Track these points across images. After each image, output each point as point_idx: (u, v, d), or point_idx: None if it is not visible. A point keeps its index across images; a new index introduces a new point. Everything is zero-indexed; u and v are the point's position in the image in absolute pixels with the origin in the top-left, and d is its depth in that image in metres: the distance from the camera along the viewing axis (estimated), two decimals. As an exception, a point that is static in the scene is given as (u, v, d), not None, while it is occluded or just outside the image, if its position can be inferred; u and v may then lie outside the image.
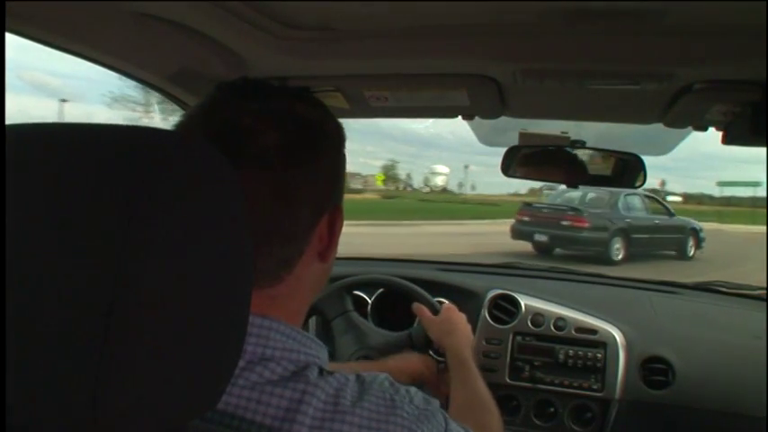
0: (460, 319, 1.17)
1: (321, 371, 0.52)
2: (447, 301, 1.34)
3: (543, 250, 10.23)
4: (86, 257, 0.33)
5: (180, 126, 0.57)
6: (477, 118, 1.31)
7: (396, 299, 1.57)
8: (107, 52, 0.95)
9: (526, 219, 10.60)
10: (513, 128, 1.47)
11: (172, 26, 0.87)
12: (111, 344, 0.32)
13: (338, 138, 0.61)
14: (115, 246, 0.33)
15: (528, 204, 11.30)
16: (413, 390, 0.56)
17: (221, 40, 0.95)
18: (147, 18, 0.84)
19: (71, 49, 0.90)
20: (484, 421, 0.84)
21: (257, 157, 0.52)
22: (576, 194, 10.68)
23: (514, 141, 1.46)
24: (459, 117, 1.31)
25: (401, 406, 0.53)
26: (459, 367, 1.00)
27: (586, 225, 9.91)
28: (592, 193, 10.49)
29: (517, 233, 10.90)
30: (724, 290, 1.82)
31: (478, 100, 1.18)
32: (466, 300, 1.67)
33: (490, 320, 1.61)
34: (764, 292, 1.74)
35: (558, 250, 10.37)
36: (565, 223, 9.95)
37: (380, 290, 1.66)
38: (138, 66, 1.04)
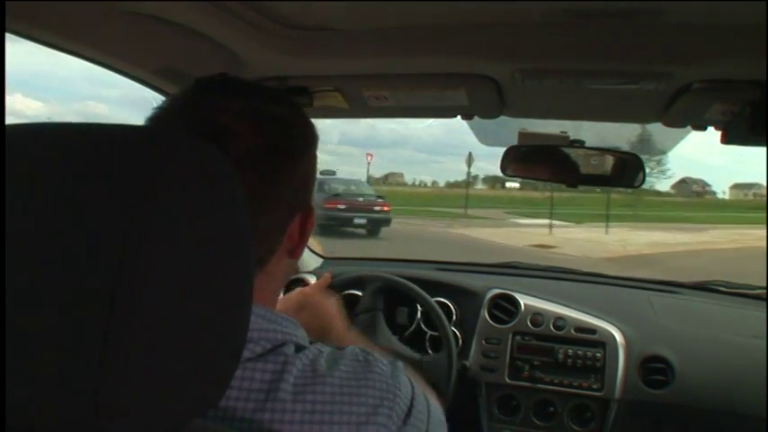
0: (305, 306, 0.98)
1: (297, 347, 0.54)
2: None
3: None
4: (87, 257, 0.33)
5: (154, 119, 0.57)
6: (476, 117, 1.31)
7: (394, 299, 1.57)
8: (105, 52, 0.95)
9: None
10: (512, 127, 1.47)
11: (172, 26, 0.87)
12: (111, 344, 0.32)
13: (313, 140, 0.62)
14: (116, 246, 0.33)
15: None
16: (377, 353, 0.60)
17: (220, 40, 0.95)
18: (147, 18, 0.84)
19: (70, 49, 0.90)
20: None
21: (236, 159, 0.52)
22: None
23: (513, 141, 1.47)
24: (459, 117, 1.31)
25: (375, 363, 0.56)
26: (330, 341, 0.96)
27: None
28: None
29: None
30: (723, 289, 1.82)
31: (478, 100, 1.18)
32: (466, 300, 1.67)
33: (489, 320, 1.61)
34: (764, 291, 1.74)
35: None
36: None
37: (379, 288, 1.66)
38: (137, 65, 1.04)
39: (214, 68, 1.01)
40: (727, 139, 1.14)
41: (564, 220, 19.41)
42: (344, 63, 1.07)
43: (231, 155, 0.52)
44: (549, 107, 1.31)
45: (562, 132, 1.44)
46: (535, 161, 1.46)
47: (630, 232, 17.01)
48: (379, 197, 14.20)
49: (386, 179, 69.81)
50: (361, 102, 1.23)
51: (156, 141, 0.38)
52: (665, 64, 0.95)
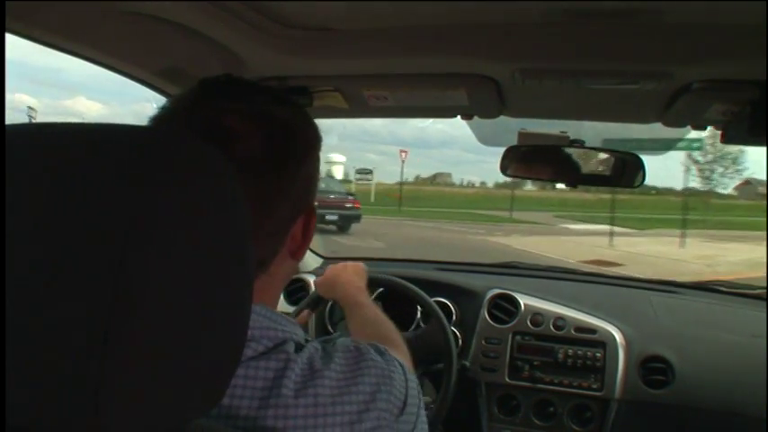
0: (341, 269, 1.15)
1: (297, 345, 0.55)
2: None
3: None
4: (88, 257, 0.33)
5: (159, 119, 0.57)
6: (476, 117, 1.31)
7: (394, 300, 1.58)
8: (105, 52, 0.95)
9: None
10: (512, 128, 1.47)
11: (172, 26, 0.87)
12: (111, 344, 0.32)
13: (316, 142, 0.62)
14: (116, 245, 0.33)
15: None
16: (366, 343, 0.61)
17: (220, 40, 0.95)
18: (147, 18, 0.84)
19: (70, 50, 0.90)
20: (382, 332, 0.90)
21: (240, 161, 0.52)
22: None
23: (513, 141, 1.47)
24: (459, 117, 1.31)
25: (367, 351, 0.57)
26: (349, 310, 1.04)
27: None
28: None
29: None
30: (723, 289, 1.82)
31: (477, 100, 1.18)
32: (466, 300, 1.67)
33: (489, 320, 1.61)
34: (764, 291, 1.74)
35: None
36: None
37: (379, 290, 1.66)
38: (137, 65, 1.04)
39: (214, 68, 1.01)
40: (726, 139, 1.14)
41: (622, 226, 16.30)
42: (344, 63, 1.07)
43: (236, 156, 0.52)
44: (549, 107, 1.31)
45: (562, 132, 1.44)
46: (535, 161, 1.46)
47: (708, 244, 13.62)
48: (350, 194, 14.97)
49: (434, 179, 68.56)
50: (361, 102, 1.23)
51: (157, 142, 0.38)
52: (665, 64, 0.95)
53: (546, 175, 1.53)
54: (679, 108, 1.10)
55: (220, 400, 0.41)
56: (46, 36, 0.84)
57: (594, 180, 1.49)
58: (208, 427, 0.44)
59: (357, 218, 14.62)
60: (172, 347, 0.35)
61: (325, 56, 1.02)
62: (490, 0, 0.82)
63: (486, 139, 1.81)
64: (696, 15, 0.83)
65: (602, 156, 1.42)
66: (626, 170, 1.39)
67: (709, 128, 1.22)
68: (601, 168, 1.43)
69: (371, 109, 1.27)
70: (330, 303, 1.62)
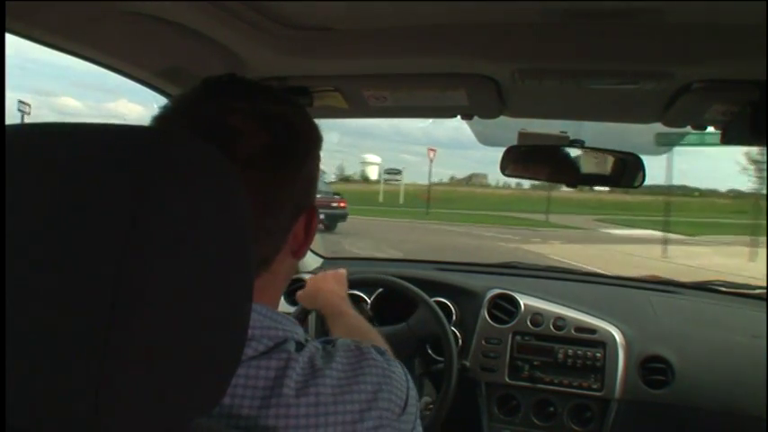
0: (321, 280, 1.18)
1: (297, 344, 0.55)
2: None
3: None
4: (88, 257, 0.33)
5: (161, 119, 0.57)
6: (475, 117, 1.31)
7: (394, 298, 1.58)
8: (106, 52, 0.95)
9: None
10: (512, 128, 1.47)
11: (171, 27, 0.87)
12: (112, 344, 0.32)
13: (317, 141, 0.62)
14: (117, 245, 0.33)
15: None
16: (367, 342, 0.62)
17: (220, 40, 0.95)
18: (147, 18, 0.84)
19: (70, 50, 0.90)
20: (366, 339, 0.90)
21: (243, 159, 0.53)
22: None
23: (513, 141, 1.47)
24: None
25: (368, 352, 0.58)
26: (332, 319, 1.07)
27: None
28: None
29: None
30: (723, 289, 1.82)
31: (477, 100, 1.18)
32: (465, 300, 1.67)
33: (489, 320, 1.61)
34: (764, 291, 1.74)
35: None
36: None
37: (380, 290, 1.66)
38: (137, 66, 1.04)
39: (214, 69, 1.01)
40: (726, 139, 1.14)
41: (671, 232, 14.79)
42: (344, 63, 1.07)
43: (239, 155, 0.52)
44: (549, 107, 1.31)
45: (562, 132, 1.44)
46: (535, 161, 1.46)
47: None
48: (336, 194, 15.56)
49: (469, 180, 66.89)
50: (360, 102, 1.23)
51: (158, 142, 0.38)
52: (665, 64, 0.95)
53: (545, 175, 1.53)
54: (679, 108, 1.10)
55: (221, 400, 0.41)
56: (46, 36, 0.83)
57: (594, 180, 1.49)
58: (208, 427, 0.44)
59: (343, 217, 15.06)
60: (172, 347, 0.35)
61: (325, 56, 1.02)
62: (490, 0, 0.82)
63: (486, 139, 1.81)
64: (696, 15, 0.83)
65: (602, 156, 1.42)
66: (626, 170, 1.39)
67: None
68: (601, 168, 1.43)
69: (371, 109, 1.27)
70: None
